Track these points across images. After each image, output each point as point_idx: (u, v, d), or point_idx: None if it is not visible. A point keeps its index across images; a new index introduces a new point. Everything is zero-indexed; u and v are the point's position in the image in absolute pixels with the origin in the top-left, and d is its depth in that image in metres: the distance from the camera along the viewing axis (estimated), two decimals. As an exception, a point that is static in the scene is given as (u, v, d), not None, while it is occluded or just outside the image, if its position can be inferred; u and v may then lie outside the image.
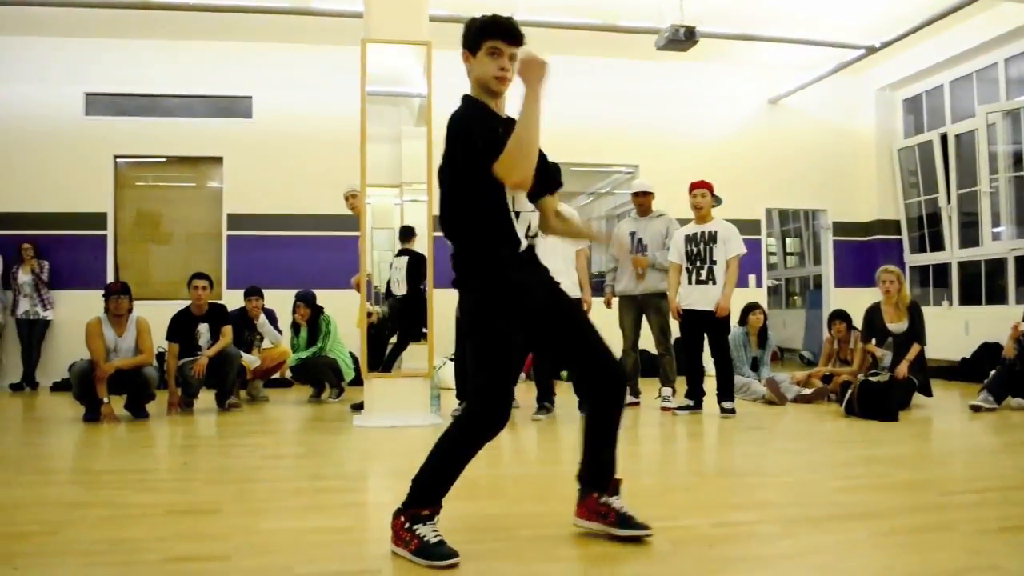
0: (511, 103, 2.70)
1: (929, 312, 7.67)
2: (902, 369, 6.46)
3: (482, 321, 2.65)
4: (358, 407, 6.31)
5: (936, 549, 2.74)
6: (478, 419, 2.72)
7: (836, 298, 10.66)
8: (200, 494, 3.65)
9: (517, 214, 2.67)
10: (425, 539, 2.57)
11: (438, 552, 2.54)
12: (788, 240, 14.33)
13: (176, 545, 2.77)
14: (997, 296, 9.40)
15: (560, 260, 5.66)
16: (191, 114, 9.68)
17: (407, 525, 2.63)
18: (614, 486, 2.83)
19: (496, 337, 2.64)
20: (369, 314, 6.74)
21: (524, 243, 2.70)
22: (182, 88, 9.63)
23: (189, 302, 6.84)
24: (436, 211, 6.07)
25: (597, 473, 2.82)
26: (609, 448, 2.82)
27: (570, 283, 5.98)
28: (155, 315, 6.81)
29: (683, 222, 6.59)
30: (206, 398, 6.86)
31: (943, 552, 2.70)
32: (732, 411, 6.17)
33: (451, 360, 6.97)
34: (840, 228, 11.14)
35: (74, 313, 8.00)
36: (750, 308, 7.70)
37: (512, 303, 2.65)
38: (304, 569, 2.53)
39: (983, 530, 2.98)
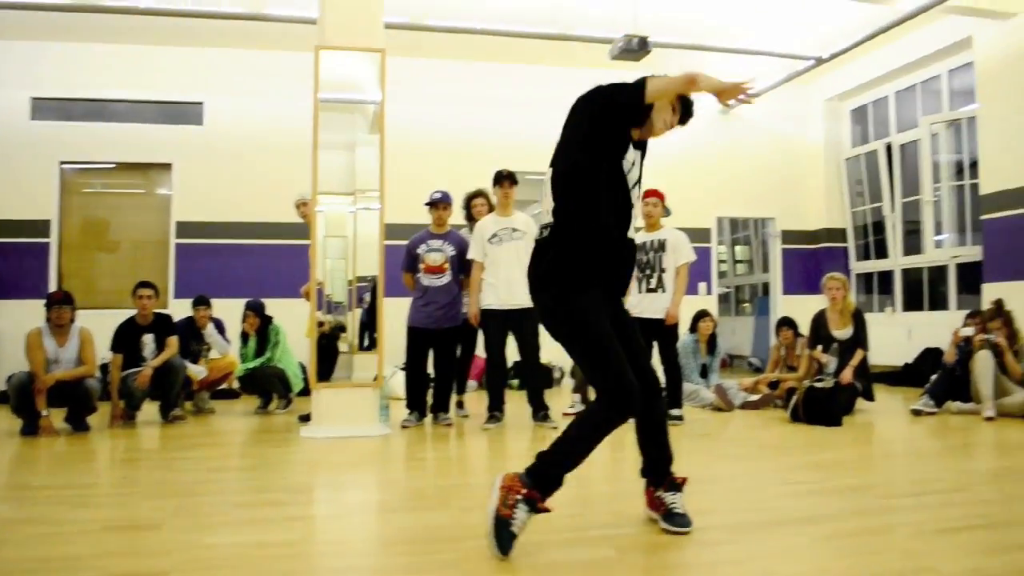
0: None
1: (873, 318, 7.85)
2: (846, 375, 6.58)
3: None
4: (306, 418, 6.24)
5: (874, 552, 2.79)
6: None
7: (784, 305, 10.84)
8: (140, 509, 3.56)
9: None
10: (512, 521, 2.67)
11: (504, 541, 2.65)
12: (738, 248, 14.52)
13: (113, 562, 2.71)
14: (939, 302, 9.62)
15: (519, 269, 5.65)
16: (140, 119, 9.52)
17: (518, 498, 2.71)
18: (671, 482, 3.09)
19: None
20: (321, 323, 6.68)
21: None
22: (131, 93, 9.46)
23: (135, 312, 6.71)
24: (389, 219, 6.15)
25: (651, 469, 3.14)
26: (656, 447, 3.13)
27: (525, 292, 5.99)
28: (101, 325, 6.68)
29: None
30: (150, 410, 6.74)
31: (881, 555, 2.75)
32: (680, 418, 6.22)
33: (401, 370, 6.93)
34: (788, 236, 11.33)
35: (15, 323, 7.77)
36: (700, 315, 7.78)
37: None
38: (244, 584, 2.49)
39: (921, 532, 3.05)
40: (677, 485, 3.09)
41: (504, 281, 5.97)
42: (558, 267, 2.90)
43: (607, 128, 2.88)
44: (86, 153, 9.41)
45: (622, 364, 2.78)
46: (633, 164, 2.99)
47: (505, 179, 6.17)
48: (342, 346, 7.24)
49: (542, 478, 2.76)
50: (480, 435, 5.83)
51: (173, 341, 6.68)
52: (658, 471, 3.11)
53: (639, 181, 3.05)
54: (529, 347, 6.05)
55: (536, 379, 6.25)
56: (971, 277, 8.96)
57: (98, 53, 9.24)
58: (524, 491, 2.71)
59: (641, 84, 2.83)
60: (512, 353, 6.29)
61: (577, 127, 2.93)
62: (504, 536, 2.65)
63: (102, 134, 9.33)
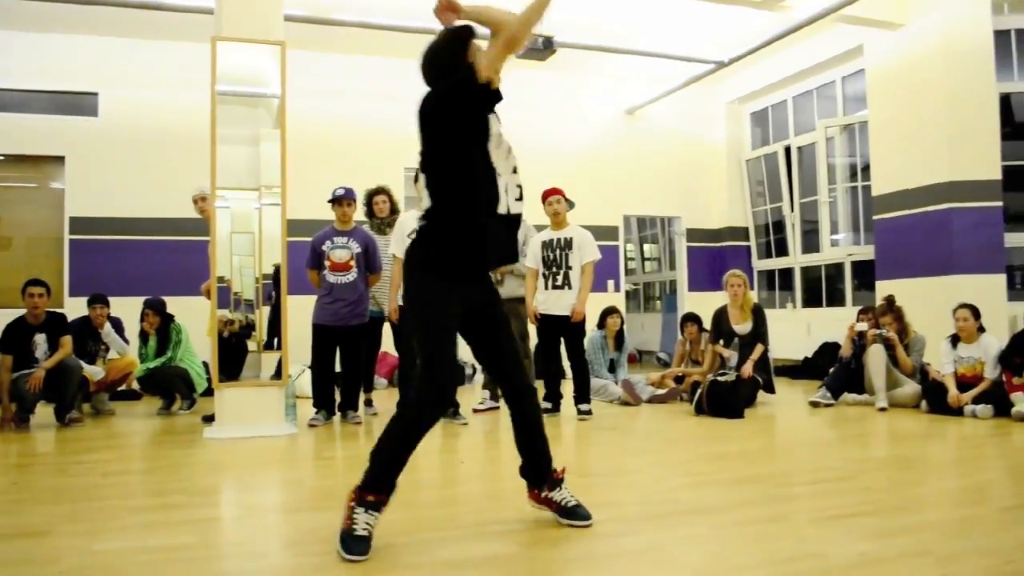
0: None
1: (774, 314, 8.11)
2: (747, 369, 6.78)
3: None
4: (210, 419, 6.08)
5: (769, 539, 2.89)
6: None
7: (690, 301, 11.10)
8: (29, 515, 3.41)
9: None
10: (354, 528, 2.68)
11: (355, 546, 2.65)
12: (646, 246, 14.79)
13: (-3, 571, 2.59)
14: (837, 299, 10.01)
15: None
16: (31, 110, 9.08)
17: (352, 504, 2.75)
18: (552, 480, 3.08)
19: None
20: (232, 321, 6.51)
21: None
22: (22, 82, 9.02)
23: (26, 311, 6.42)
24: (290, 215, 6.03)
25: (531, 471, 3.10)
26: (533, 449, 3.09)
27: None
28: (-10, 324, 6.38)
29: (539, 228, 6.68)
30: (45, 413, 6.46)
31: (775, 542, 2.85)
32: (589, 413, 6.31)
33: (308, 368, 6.81)
34: (693, 234, 11.61)
35: None
36: (608, 312, 7.89)
37: None
38: (137, 590, 2.41)
39: (815, 519, 3.18)
40: (558, 481, 3.08)
41: None
42: (419, 258, 2.93)
43: (472, 124, 2.91)
44: (-27, 145, 8.95)
45: (444, 362, 2.85)
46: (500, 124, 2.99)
47: None
48: (251, 344, 7.09)
49: (374, 478, 2.79)
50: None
51: (67, 340, 6.42)
52: (538, 473, 3.10)
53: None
54: None
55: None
56: (866, 274, 9.36)
57: (-13, 40, 8.79)
58: (355, 496, 2.76)
59: (470, 73, 2.84)
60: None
61: (441, 132, 2.92)
62: (349, 542, 2.67)
63: (-10, 125, 8.88)
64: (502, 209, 2.92)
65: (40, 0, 7.64)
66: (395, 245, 6.07)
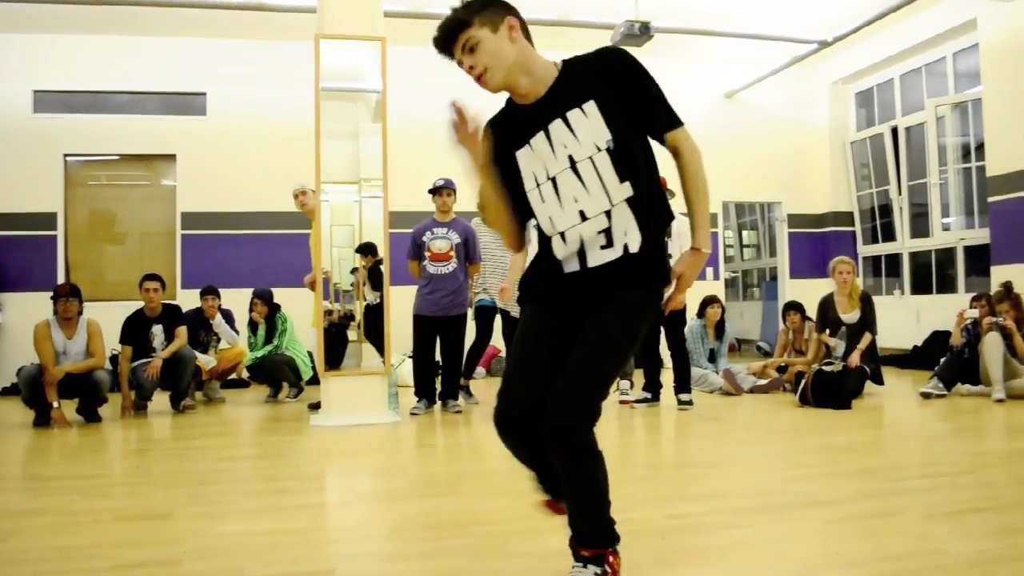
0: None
1: (881, 301, 7.81)
2: (854, 358, 6.57)
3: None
4: (315, 406, 6.26)
5: (885, 534, 2.79)
6: None
7: (791, 289, 10.80)
8: (151, 498, 3.59)
9: None
10: None
11: None
12: (745, 232, 14.48)
13: (125, 551, 2.73)
14: (947, 285, 9.58)
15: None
16: (143, 111, 9.50)
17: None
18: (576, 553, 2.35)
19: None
20: (330, 312, 6.69)
21: None
22: (134, 84, 9.44)
23: (143, 304, 6.73)
24: (392, 207, 6.14)
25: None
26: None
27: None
28: (110, 316, 6.71)
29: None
30: (161, 400, 6.77)
31: (891, 537, 2.75)
32: (689, 403, 6.22)
33: (409, 358, 6.94)
34: (795, 220, 11.28)
35: (24, 316, 7.82)
36: (708, 301, 7.76)
37: None
38: (256, 571, 2.51)
39: (931, 515, 3.06)
40: (583, 558, 2.23)
41: None
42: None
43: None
44: (90, 145, 9.40)
45: (506, 382, 2.37)
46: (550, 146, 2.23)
47: None
48: (351, 334, 7.27)
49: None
50: (490, 422, 5.80)
51: (182, 332, 6.71)
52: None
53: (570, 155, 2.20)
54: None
55: None
56: (979, 259, 8.92)
57: (100, 45, 9.22)
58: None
59: None
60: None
61: None
62: None
63: (105, 126, 9.32)
64: None
65: (149, 6, 7.98)
66: None
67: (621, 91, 2.18)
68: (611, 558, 2.22)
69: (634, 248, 2.17)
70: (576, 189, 2.18)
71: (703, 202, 2.24)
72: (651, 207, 2.20)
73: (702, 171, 2.23)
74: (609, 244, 2.18)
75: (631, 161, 2.17)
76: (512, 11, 2.24)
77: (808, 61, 10.14)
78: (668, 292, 2.33)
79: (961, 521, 2.94)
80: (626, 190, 2.16)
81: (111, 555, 2.68)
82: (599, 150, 2.15)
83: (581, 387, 2.14)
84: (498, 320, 6.75)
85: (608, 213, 2.16)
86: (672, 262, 2.33)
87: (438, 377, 6.47)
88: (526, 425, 2.27)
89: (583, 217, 2.18)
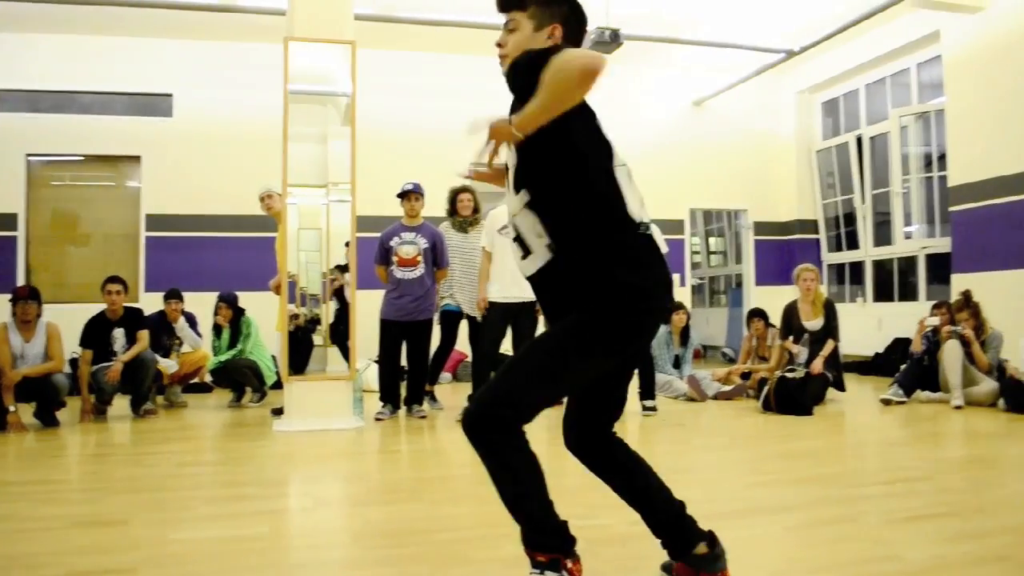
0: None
1: (844, 309, 7.91)
2: (817, 365, 6.64)
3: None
4: (279, 411, 6.20)
5: (842, 541, 2.82)
6: None
7: (757, 296, 10.90)
8: (108, 505, 3.53)
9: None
10: None
11: None
12: (712, 239, 14.59)
13: (79, 559, 2.68)
14: (909, 293, 9.72)
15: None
16: (109, 111, 9.37)
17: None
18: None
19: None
20: (296, 316, 6.63)
21: None
22: (99, 85, 9.31)
23: (105, 306, 6.63)
24: (360, 211, 6.11)
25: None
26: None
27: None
28: (72, 319, 6.60)
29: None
30: (121, 405, 6.67)
31: (848, 544, 2.78)
32: (653, 409, 6.25)
33: (374, 362, 6.90)
34: (761, 228, 11.40)
35: (-18, 318, 7.68)
36: (673, 308, 7.80)
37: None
38: (212, 579, 2.47)
39: (889, 521, 3.09)
40: (540, 564, 2.18)
41: (509, 272, 5.63)
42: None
43: None
44: (53, 145, 9.26)
45: None
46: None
47: None
48: (316, 339, 7.21)
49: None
50: (455, 428, 5.81)
51: (144, 335, 6.62)
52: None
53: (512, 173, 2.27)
54: (526, 341, 5.96)
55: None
56: (940, 268, 9.06)
57: (65, 44, 9.08)
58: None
59: None
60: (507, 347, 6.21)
61: None
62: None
63: (69, 126, 9.18)
64: None
65: (116, 5, 7.88)
66: (485, 238, 6.04)
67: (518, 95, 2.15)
68: (570, 564, 2.21)
69: (542, 261, 2.15)
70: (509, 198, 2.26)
71: (543, 91, 2.03)
72: (566, 217, 2.13)
73: (561, 73, 2.01)
74: (526, 253, 2.19)
75: (531, 169, 2.18)
76: (566, 22, 2.24)
77: (775, 70, 10.26)
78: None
79: (918, 527, 2.98)
80: (523, 197, 2.17)
81: (65, 562, 2.62)
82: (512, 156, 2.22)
83: (494, 383, 2.14)
84: (464, 325, 6.73)
85: (514, 223, 2.21)
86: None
87: (403, 382, 6.44)
88: (584, 455, 2.52)
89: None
